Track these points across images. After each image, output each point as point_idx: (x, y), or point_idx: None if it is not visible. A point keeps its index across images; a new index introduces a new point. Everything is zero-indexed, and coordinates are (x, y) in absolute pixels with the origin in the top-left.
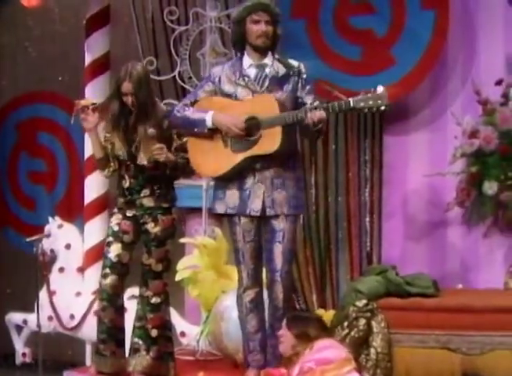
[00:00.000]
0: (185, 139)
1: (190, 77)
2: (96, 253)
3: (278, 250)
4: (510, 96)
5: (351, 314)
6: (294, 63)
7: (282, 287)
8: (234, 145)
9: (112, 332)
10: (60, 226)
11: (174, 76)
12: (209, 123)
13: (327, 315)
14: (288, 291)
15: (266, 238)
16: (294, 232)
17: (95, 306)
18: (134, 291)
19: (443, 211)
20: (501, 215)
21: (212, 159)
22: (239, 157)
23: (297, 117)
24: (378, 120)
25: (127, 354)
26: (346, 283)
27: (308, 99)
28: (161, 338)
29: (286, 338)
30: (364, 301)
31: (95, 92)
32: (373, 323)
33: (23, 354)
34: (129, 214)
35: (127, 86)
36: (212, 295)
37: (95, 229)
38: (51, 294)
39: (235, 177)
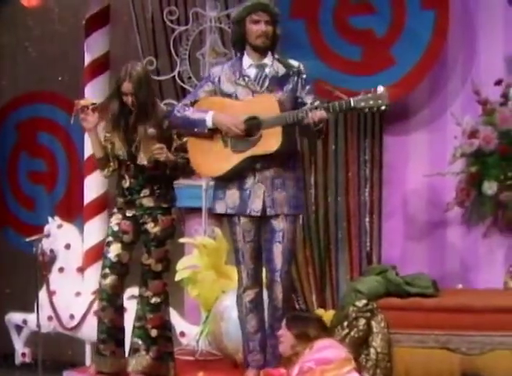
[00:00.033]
0: (185, 139)
1: (190, 77)
2: (96, 253)
3: (278, 250)
4: (510, 96)
5: (350, 314)
6: (294, 63)
7: (281, 287)
8: (234, 145)
9: (112, 332)
10: (60, 226)
11: (174, 76)
12: (209, 123)
13: (327, 315)
14: (288, 291)
15: (266, 238)
16: (294, 232)
17: (95, 306)
18: (134, 291)
19: (443, 211)
20: (501, 215)
21: (212, 159)
22: (240, 157)
23: (298, 117)
24: (378, 120)
25: (127, 354)
26: (346, 283)
27: (308, 99)
28: (161, 338)
29: (285, 338)
30: (364, 301)
31: (94, 92)
32: (373, 323)
33: (23, 354)
34: (129, 214)
35: (127, 86)
36: (212, 295)
37: (95, 229)
38: (51, 294)
39: (235, 177)
